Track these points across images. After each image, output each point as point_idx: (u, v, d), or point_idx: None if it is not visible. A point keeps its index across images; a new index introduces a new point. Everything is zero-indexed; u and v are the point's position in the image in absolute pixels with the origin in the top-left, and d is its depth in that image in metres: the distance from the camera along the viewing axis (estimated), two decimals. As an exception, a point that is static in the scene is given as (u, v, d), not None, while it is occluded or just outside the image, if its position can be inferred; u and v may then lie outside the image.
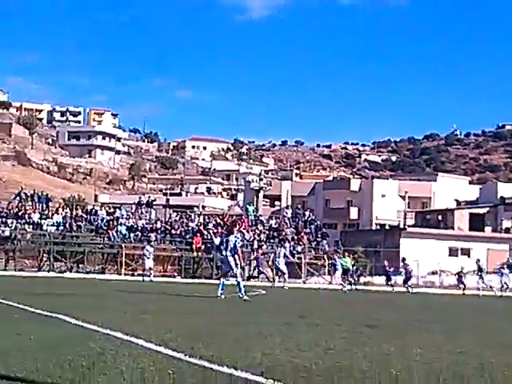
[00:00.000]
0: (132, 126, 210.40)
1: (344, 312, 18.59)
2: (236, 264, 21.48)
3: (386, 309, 21.93)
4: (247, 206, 61.73)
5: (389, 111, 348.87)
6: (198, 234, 50.11)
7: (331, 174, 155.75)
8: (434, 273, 58.37)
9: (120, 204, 60.27)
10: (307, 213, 57.79)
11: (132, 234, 49.90)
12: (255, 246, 49.47)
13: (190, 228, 51.50)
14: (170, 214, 56.79)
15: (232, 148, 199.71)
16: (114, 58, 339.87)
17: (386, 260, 47.82)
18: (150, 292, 24.71)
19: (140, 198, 60.51)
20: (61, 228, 49.41)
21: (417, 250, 61.52)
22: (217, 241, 48.57)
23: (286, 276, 37.96)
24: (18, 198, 52.65)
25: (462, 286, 45.41)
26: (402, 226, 77.08)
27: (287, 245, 49.37)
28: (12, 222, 48.07)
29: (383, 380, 6.38)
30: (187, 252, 49.71)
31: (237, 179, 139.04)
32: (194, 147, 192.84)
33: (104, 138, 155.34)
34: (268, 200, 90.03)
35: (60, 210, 51.88)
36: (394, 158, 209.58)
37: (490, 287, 44.63)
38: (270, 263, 43.71)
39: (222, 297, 20.58)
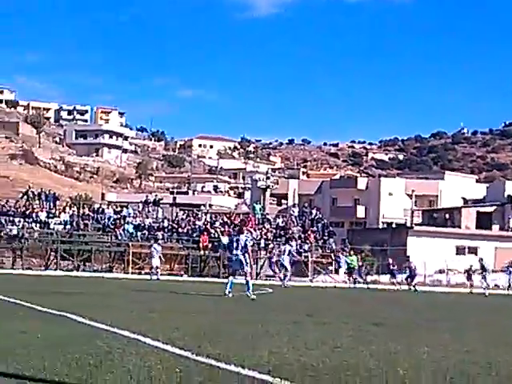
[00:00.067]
0: (139, 125, 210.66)
1: (351, 310, 18.58)
2: (246, 263, 21.50)
3: (393, 307, 21.91)
4: (254, 204, 61.76)
5: (396, 109, 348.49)
6: (205, 233, 50.15)
7: (338, 173, 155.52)
8: (440, 271, 58.28)
9: (127, 203, 60.34)
10: (314, 211, 57.77)
11: (139, 233, 49.97)
12: (262, 244, 49.47)
13: (196, 226, 51.55)
14: (177, 213, 56.85)
15: (239, 146, 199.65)
16: (120, 57, 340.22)
17: (390, 258, 47.82)
18: (157, 290, 24.74)
19: (147, 196, 60.55)
20: (68, 227, 49.52)
21: (424, 248, 61.48)
22: (224, 239, 48.96)
23: (289, 274, 37.78)
24: (25, 196, 52.78)
25: (470, 282, 45.25)
26: (408, 224, 77.01)
27: (294, 243, 49.40)
28: (19, 221, 48.19)
29: (390, 378, 6.38)
30: (194, 250, 49.75)
31: (244, 178, 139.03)
32: (200, 146, 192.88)
33: (111, 137, 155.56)
34: (275, 198, 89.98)
35: (67, 208, 52.00)
36: (401, 157, 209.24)
37: (496, 286, 44.55)
38: (274, 260, 43.54)
39: (230, 295, 20.57)
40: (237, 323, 11.95)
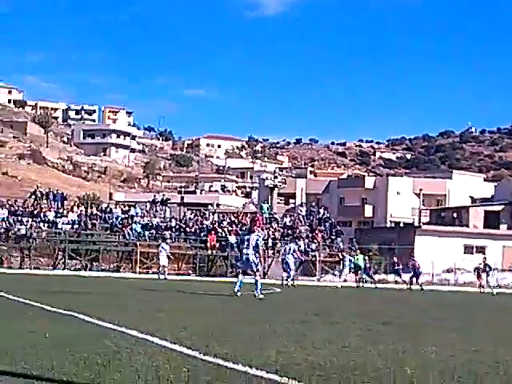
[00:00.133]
0: (147, 124, 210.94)
1: (358, 310, 18.57)
2: (257, 263, 21.51)
3: (400, 306, 21.89)
4: (262, 203, 61.82)
5: (403, 108, 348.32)
6: (213, 232, 50.21)
7: (346, 172, 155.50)
8: (448, 270, 58.19)
9: (135, 202, 60.44)
10: (322, 210, 57.79)
11: (147, 232, 50.05)
12: (269, 243, 49.46)
13: (204, 226, 51.61)
14: (185, 212, 56.94)
15: (246, 146, 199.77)
16: (128, 57, 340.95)
17: (395, 257, 47.75)
18: (165, 290, 24.76)
19: (155, 196, 60.64)
20: (76, 226, 49.65)
21: (431, 247, 61.41)
22: (232, 239, 49.00)
23: (293, 273, 37.66)
24: (33, 196, 52.93)
25: (480, 281, 45.06)
26: (416, 223, 76.88)
27: (301, 242, 49.38)
28: (27, 221, 48.34)
29: (398, 378, 6.37)
30: (202, 250, 49.82)
31: (251, 177, 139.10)
32: (208, 145, 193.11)
33: (119, 136, 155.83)
34: (282, 198, 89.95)
35: (75, 208, 52.16)
36: (408, 156, 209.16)
37: (499, 286, 44.43)
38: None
39: (239, 294, 20.55)
40: (244, 323, 11.96)
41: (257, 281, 21.00)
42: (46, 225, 49.21)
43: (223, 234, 50.44)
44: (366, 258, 45.38)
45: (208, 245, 49.70)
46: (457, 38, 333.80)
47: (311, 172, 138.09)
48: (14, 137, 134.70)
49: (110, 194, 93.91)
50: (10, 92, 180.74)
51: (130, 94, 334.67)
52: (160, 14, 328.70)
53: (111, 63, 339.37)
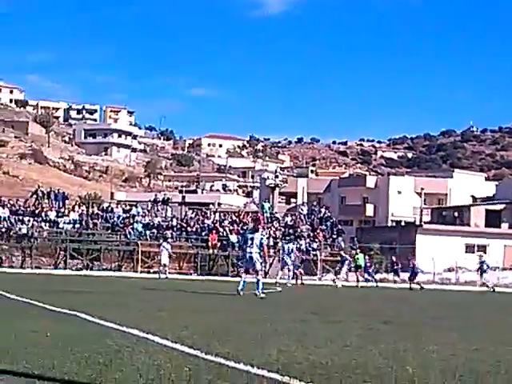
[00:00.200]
0: (148, 124, 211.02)
1: (359, 309, 18.57)
2: (261, 262, 21.52)
3: (401, 306, 21.89)
4: (263, 203, 61.80)
5: (405, 108, 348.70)
6: (214, 232, 50.23)
7: (347, 171, 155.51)
8: (450, 269, 58.18)
9: (136, 201, 60.44)
10: (323, 210, 57.80)
11: (148, 232, 50.07)
12: (271, 243, 49.45)
13: (205, 225, 51.63)
14: (186, 212, 56.93)
15: (248, 145, 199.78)
16: (129, 56, 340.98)
17: (394, 257, 47.73)
18: (166, 289, 24.76)
19: (156, 195, 60.67)
20: (77, 226, 49.68)
21: (433, 246, 61.39)
22: (233, 238, 49.02)
23: (291, 274, 37.64)
24: (34, 195, 52.95)
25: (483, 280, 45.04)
26: (417, 222, 76.85)
27: (302, 241, 49.41)
28: (29, 220, 48.36)
29: (399, 377, 6.38)
30: (203, 249, 49.84)
31: (252, 176, 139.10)
32: (209, 144, 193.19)
33: (120, 136, 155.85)
34: (284, 197, 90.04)
35: (76, 207, 52.17)
36: (410, 155, 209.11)
37: (495, 285, 44.45)
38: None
39: (241, 293, 20.55)
40: (246, 322, 11.96)
41: (258, 280, 21.00)
42: (47, 224, 49.25)
43: (224, 234, 50.47)
44: (367, 257, 45.35)
45: (209, 244, 49.74)
46: (458, 36, 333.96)
47: (312, 171, 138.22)
48: (15, 136, 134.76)
49: (112, 193, 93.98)
50: (11, 92, 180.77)
51: (131, 94, 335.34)
52: (162, 13, 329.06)
53: (113, 63, 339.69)
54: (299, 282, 38.41)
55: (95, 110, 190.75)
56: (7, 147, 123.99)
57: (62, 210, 51.36)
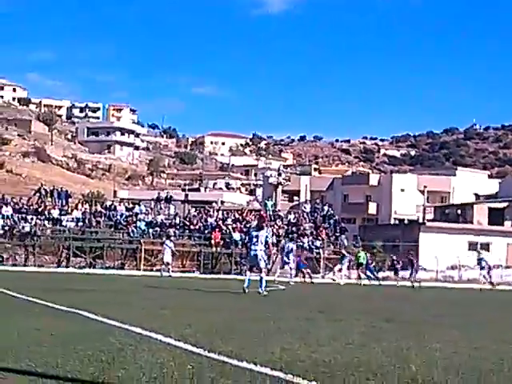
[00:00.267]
0: (151, 122, 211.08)
1: (362, 307, 18.57)
2: (265, 260, 21.52)
3: (403, 303, 21.88)
4: (266, 201, 61.77)
5: (407, 105, 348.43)
6: (217, 230, 50.22)
7: (350, 169, 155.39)
8: (453, 267, 58.16)
9: (139, 200, 60.42)
10: (326, 208, 57.75)
11: (151, 230, 50.06)
12: (274, 241, 49.42)
13: (208, 223, 51.61)
14: (189, 210, 56.91)
15: (250, 143, 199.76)
16: (132, 54, 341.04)
17: (393, 255, 47.69)
18: (169, 287, 24.76)
19: (159, 193, 60.65)
20: (80, 224, 49.67)
21: (436, 244, 61.38)
22: (236, 236, 49.02)
23: (294, 272, 37.64)
24: (37, 194, 52.94)
25: (489, 279, 45.03)
26: (421, 220, 76.85)
27: (305, 239, 49.38)
28: (32, 218, 48.37)
29: (403, 375, 6.38)
30: (206, 247, 49.84)
31: (255, 174, 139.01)
32: (212, 143, 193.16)
33: (123, 134, 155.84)
34: (287, 195, 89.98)
35: (79, 205, 52.15)
36: (412, 153, 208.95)
37: (491, 282, 44.49)
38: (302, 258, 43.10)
39: (247, 291, 20.55)
40: (249, 320, 11.97)
41: (262, 278, 20.99)
42: (50, 222, 49.26)
43: (227, 232, 50.47)
44: (368, 254, 45.28)
45: (212, 242, 49.74)
46: (459, 34, 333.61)
47: (315, 169, 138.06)
48: (18, 135, 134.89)
49: (115, 191, 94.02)
50: (14, 90, 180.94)
51: (133, 92, 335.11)
52: (164, 12, 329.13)
53: (114, 61, 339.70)
54: (308, 280, 38.49)
55: (98, 108, 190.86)
56: (10, 145, 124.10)
57: (65, 208, 51.37)
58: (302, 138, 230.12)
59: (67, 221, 49.47)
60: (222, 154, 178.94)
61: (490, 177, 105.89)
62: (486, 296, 31.87)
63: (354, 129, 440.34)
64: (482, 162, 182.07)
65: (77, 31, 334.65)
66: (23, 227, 47.89)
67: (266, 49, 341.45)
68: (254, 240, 21.16)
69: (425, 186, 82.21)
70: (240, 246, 48.29)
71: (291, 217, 55.14)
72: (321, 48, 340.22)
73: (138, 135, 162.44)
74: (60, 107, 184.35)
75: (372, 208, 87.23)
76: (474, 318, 15.54)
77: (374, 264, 47.68)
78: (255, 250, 21.04)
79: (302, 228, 52.13)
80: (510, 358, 7.79)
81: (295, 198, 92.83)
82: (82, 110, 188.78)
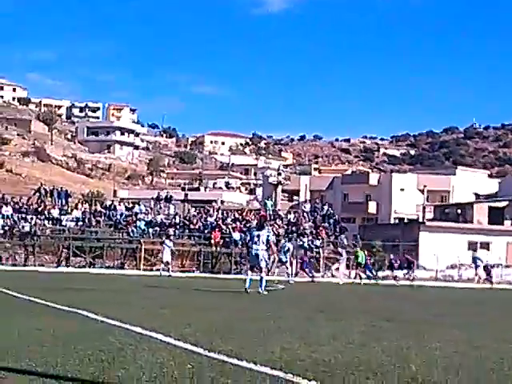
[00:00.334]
0: (150, 121, 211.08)
1: (362, 306, 18.57)
2: (266, 259, 21.50)
3: (404, 303, 21.87)
4: (266, 200, 61.78)
5: (407, 105, 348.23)
6: (217, 229, 50.21)
7: (350, 168, 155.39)
8: (452, 266, 58.18)
9: (139, 199, 60.47)
10: (326, 207, 57.73)
11: (151, 229, 50.05)
12: (274, 240, 49.37)
13: (208, 223, 51.60)
14: (189, 209, 56.92)
15: (250, 143, 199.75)
16: (132, 54, 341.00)
17: (391, 254, 47.73)
18: (169, 287, 24.76)
19: (159, 193, 60.65)
20: (80, 223, 49.68)
21: (436, 243, 61.39)
22: (236, 235, 49.00)
23: (290, 271, 37.75)
24: (37, 193, 52.95)
25: (489, 278, 45.09)
26: (420, 219, 76.86)
27: (305, 239, 49.35)
28: (32, 218, 48.37)
29: (403, 374, 6.37)
30: (206, 247, 49.83)
31: (255, 174, 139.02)
32: (212, 142, 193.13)
33: (123, 134, 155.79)
34: (286, 194, 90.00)
35: (79, 205, 52.16)
36: (412, 152, 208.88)
37: (489, 280, 44.61)
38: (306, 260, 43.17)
39: (249, 291, 20.52)
40: (248, 319, 11.97)
41: (262, 277, 20.97)
42: (50, 222, 49.27)
43: (227, 231, 50.45)
44: (366, 253, 45.23)
45: (212, 242, 49.72)
46: (460, 34, 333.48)
47: (315, 169, 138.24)
48: (18, 134, 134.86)
49: (115, 191, 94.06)
50: (14, 90, 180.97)
51: (133, 92, 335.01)
52: (164, 11, 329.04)
53: (114, 60, 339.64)
54: (309, 279, 38.68)
55: (98, 108, 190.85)
56: (10, 145, 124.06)
57: (65, 207, 51.38)
58: (302, 138, 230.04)
59: (67, 220, 49.47)
60: (222, 154, 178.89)
61: (490, 176, 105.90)
62: (486, 295, 31.87)
63: (353, 128, 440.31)
64: (481, 162, 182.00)
65: (77, 31, 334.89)
66: (23, 227, 47.89)
67: (266, 48, 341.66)
68: (256, 239, 21.13)
69: (425, 186, 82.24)
70: (240, 246, 48.27)
71: (291, 216, 55.13)
72: (321, 47, 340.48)
73: (137, 135, 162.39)
74: (60, 107, 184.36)
75: (372, 207, 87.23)
76: (474, 318, 15.53)
77: (372, 261, 47.69)
78: (256, 250, 21.01)
79: (301, 227, 52.11)
80: (511, 357, 7.78)
81: (295, 197, 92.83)
82: (81, 109, 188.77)
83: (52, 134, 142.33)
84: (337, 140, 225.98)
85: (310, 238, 51.03)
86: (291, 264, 39.36)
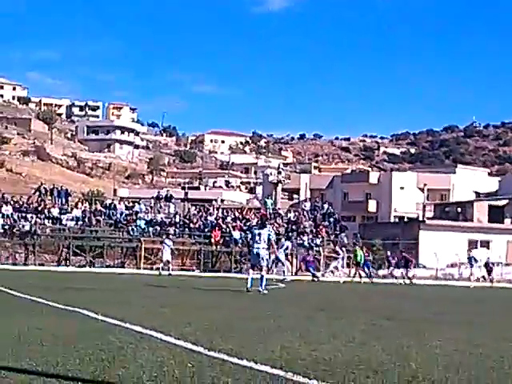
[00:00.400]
0: (150, 120, 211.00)
1: (362, 305, 18.57)
2: (267, 258, 21.49)
3: (404, 301, 21.88)
4: (266, 199, 61.74)
5: (407, 103, 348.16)
6: (217, 228, 50.18)
7: (350, 167, 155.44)
8: (452, 265, 58.17)
9: (139, 198, 60.39)
10: (326, 206, 57.72)
11: (151, 228, 50.01)
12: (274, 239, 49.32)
13: (208, 222, 51.56)
14: (189, 208, 56.86)
15: (250, 141, 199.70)
16: (133, 53, 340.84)
17: (388, 251, 47.71)
18: (169, 286, 24.76)
19: (159, 192, 60.59)
20: (80, 222, 49.61)
21: (436, 242, 61.38)
22: (236, 234, 48.98)
23: (285, 268, 37.88)
24: (37, 192, 52.88)
25: (490, 277, 45.10)
26: (420, 218, 76.90)
27: (305, 237, 49.35)
28: (32, 217, 48.31)
29: (403, 373, 6.37)
30: (206, 246, 49.80)
31: (255, 172, 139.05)
32: (212, 141, 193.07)
33: (123, 133, 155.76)
34: (286, 193, 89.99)
35: (79, 204, 52.08)
36: (412, 150, 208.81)
37: (484, 278, 44.66)
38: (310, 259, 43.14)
39: (250, 290, 20.50)
40: (249, 318, 11.97)
41: (262, 276, 20.95)
42: (50, 221, 49.21)
43: (227, 230, 50.42)
44: (364, 250, 45.15)
45: (212, 240, 49.69)
46: (460, 32, 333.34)
47: (315, 167, 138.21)
48: (18, 133, 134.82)
49: (115, 190, 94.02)
50: (14, 89, 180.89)
51: (133, 91, 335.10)
52: (164, 10, 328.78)
53: (115, 60, 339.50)
54: (310, 278, 38.77)
55: (98, 107, 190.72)
56: (10, 144, 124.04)
57: (65, 206, 51.31)
58: (302, 136, 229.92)
59: (67, 219, 49.42)
60: (222, 153, 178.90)
61: (490, 174, 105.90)
62: (486, 294, 31.88)
63: (353, 127, 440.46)
64: (481, 160, 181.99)
65: (77, 30, 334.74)
66: (23, 226, 47.85)
67: (266, 47, 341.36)
68: (257, 238, 21.13)
69: (425, 184, 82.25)
70: (240, 245, 48.27)
71: (291, 215, 55.09)
72: (321, 46, 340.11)
73: (137, 134, 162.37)
74: (60, 106, 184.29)
75: (372, 206, 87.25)
76: (475, 316, 15.53)
77: (371, 259, 47.64)
78: (257, 248, 21.00)
79: (301, 226, 52.09)
80: (511, 355, 7.78)
81: (295, 196, 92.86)
82: (81, 108, 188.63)
83: (52, 133, 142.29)
84: (337, 138, 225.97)
85: (310, 236, 51.02)
86: (288, 261, 39.54)
